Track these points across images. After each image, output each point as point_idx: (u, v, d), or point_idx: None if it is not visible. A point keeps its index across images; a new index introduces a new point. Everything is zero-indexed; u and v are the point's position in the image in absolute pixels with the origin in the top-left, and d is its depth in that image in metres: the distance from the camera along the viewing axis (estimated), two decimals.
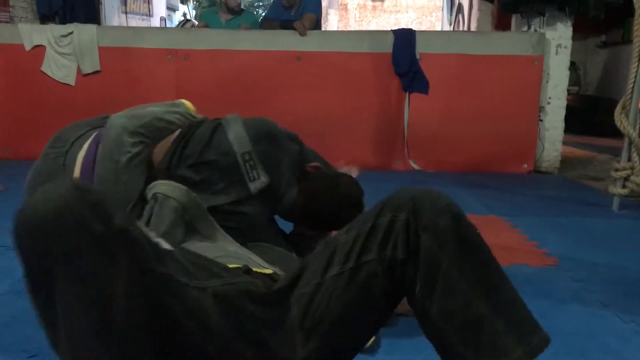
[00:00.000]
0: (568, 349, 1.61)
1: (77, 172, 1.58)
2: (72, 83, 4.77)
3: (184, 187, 1.48)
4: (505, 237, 2.79)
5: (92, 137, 1.63)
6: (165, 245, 1.08)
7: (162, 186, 1.46)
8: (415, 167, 4.72)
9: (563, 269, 2.32)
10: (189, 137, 1.63)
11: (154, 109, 1.64)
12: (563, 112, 4.78)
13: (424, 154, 4.76)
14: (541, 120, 4.76)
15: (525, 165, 4.76)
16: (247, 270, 1.28)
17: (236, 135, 1.64)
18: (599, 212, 3.40)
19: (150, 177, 1.55)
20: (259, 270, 1.32)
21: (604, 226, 3.10)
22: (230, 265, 1.26)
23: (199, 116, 1.76)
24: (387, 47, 4.65)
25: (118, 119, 1.60)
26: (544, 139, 4.77)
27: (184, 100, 1.74)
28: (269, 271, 1.35)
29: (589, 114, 6.71)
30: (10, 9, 5.14)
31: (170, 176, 1.57)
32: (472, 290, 0.98)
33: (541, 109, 4.75)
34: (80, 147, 1.62)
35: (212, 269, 1.10)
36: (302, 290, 1.05)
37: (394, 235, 1.03)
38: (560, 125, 4.79)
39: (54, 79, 4.75)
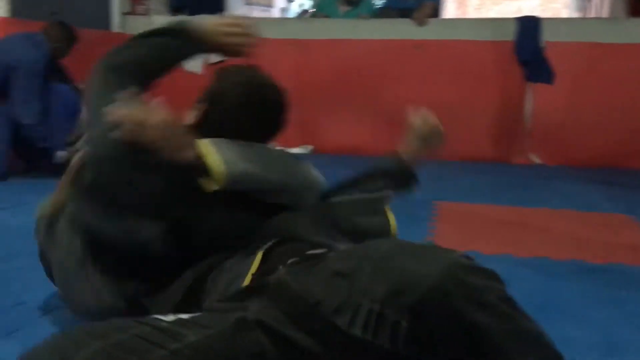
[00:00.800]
0: None
1: None
2: (199, 72, 5.03)
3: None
4: (633, 236, 2.62)
5: None
6: (184, 315, 0.98)
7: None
8: (537, 160, 4.53)
9: None
10: None
11: None
12: None
13: (547, 147, 4.55)
14: None
15: None
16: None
17: None
18: None
19: None
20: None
21: None
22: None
23: None
24: (510, 35, 4.48)
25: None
26: None
27: None
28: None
29: None
30: (146, 2, 5.50)
31: None
32: None
33: None
34: None
35: (237, 308, 0.99)
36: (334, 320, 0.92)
37: (401, 337, 0.88)
38: None
39: (182, 68, 5.04)
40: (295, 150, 4.95)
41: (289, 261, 1.06)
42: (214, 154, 1.21)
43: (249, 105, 1.33)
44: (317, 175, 1.43)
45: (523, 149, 4.58)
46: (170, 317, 0.96)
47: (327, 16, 5.20)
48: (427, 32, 4.67)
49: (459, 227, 2.67)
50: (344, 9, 5.22)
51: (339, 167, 4.18)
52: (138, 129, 1.15)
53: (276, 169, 1.32)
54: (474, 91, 4.63)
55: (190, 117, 1.37)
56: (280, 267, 1.05)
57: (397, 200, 3.08)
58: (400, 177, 1.51)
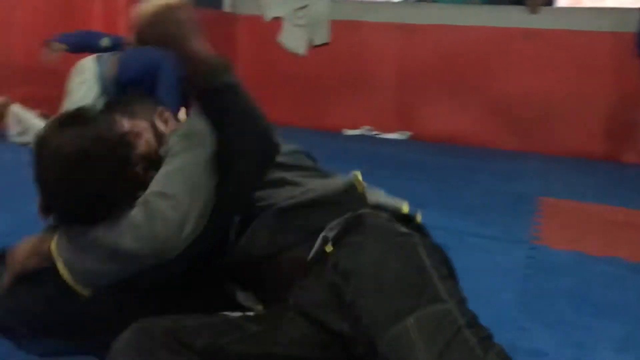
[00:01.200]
0: None
1: None
2: (303, 54, 5.11)
3: None
4: None
5: None
6: (249, 313, 1.11)
7: None
8: None
9: None
10: None
11: None
12: None
13: None
14: None
15: None
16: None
17: None
18: None
19: None
20: None
21: None
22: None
23: None
24: (632, 26, 4.20)
25: None
26: None
27: None
28: None
29: None
30: None
31: None
32: None
33: None
34: None
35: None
36: None
37: None
38: None
39: (288, 50, 5.14)
40: (392, 136, 4.93)
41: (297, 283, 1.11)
42: (59, 259, 1.04)
43: (61, 185, 1.04)
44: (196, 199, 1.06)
45: (638, 147, 4.31)
46: (237, 313, 1.09)
47: (435, 1, 5.11)
48: (539, 21, 4.48)
49: (565, 225, 2.57)
50: None
51: (437, 155, 4.15)
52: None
53: (121, 251, 1.02)
54: (587, 85, 4.39)
55: None
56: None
57: (500, 194, 3.01)
58: (223, 92, 1.08)
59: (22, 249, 1.11)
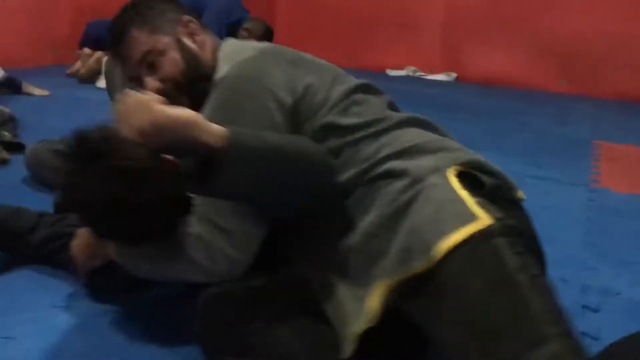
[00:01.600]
0: None
1: None
2: None
3: None
4: None
5: None
6: None
7: None
8: None
9: None
10: None
11: None
12: None
13: None
14: None
15: None
16: None
17: None
18: None
19: None
20: None
21: None
22: None
23: None
24: None
25: None
26: None
27: None
28: None
29: None
30: None
31: None
32: None
33: None
34: None
35: None
36: None
37: None
38: None
39: None
40: (438, 77, 4.85)
41: None
42: (125, 265, 1.08)
43: (101, 228, 1.01)
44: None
45: None
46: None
47: None
48: None
49: (626, 170, 2.53)
50: None
51: (485, 97, 4.07)
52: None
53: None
54: None
55: None
56: None
57: (554, 137, 2.96)
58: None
59: (80, 248, 1.10)
